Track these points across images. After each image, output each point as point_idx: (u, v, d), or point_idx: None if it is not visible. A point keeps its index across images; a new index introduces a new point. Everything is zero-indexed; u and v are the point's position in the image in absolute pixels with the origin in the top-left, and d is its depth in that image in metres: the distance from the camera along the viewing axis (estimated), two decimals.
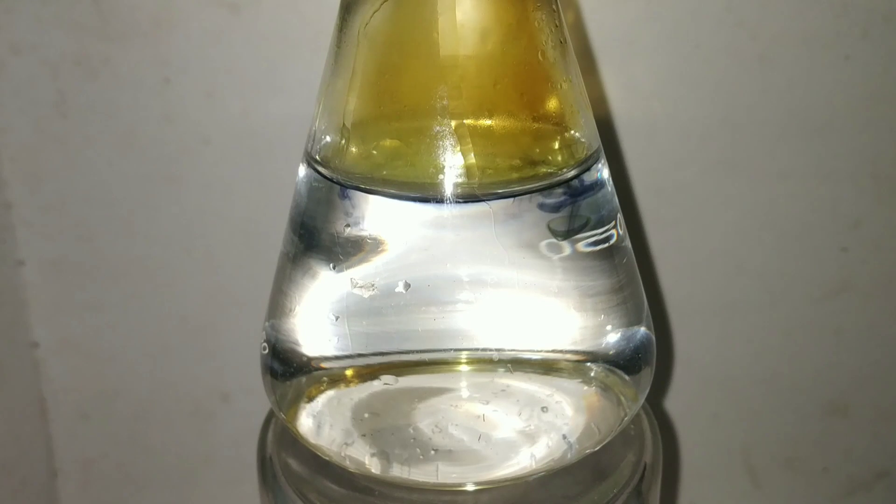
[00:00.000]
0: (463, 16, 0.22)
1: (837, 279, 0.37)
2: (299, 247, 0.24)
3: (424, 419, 0.23)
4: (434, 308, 0.23)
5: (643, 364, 0.25)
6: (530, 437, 0.23)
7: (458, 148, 0.22)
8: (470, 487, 0.24)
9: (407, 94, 0.23)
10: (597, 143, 0.25)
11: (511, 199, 0.22)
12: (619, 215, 0.25)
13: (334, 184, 0.23)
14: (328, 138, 0.24)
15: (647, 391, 0.26)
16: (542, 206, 0.23)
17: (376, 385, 0.23)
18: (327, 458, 0.24)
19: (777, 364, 0.38)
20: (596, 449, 0.24)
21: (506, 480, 0.23)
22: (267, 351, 0.25)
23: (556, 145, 0.24)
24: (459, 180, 0.22)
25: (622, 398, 0.25)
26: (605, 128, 0.33)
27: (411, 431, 0.23)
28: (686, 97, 0.33)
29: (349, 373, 0.24)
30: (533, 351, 0.23)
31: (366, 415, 0.24)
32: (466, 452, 0.23)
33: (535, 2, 0.23)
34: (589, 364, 0.24)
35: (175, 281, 0.36)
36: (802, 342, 0.38)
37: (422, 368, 0.23)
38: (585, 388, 0.24)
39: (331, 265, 0.23)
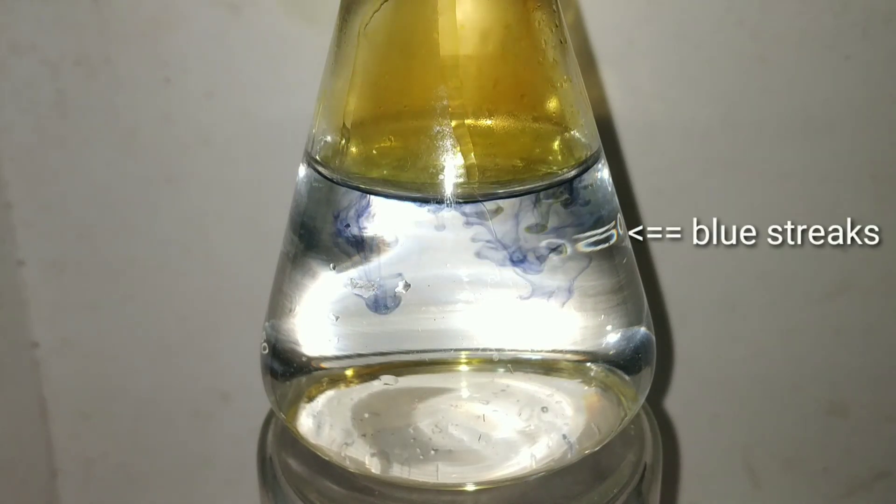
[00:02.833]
0: (463, 16, 0.22)
1: (837, 279, 0.37)
2: (299, 247, 0.24)
3: (424, 419, 0.23)
4: (434, 308, 0.23)
5: (643, 364, 0.25)
6: (530, 437, 0.23)
7: (458, 148, 0.22)
8: (470, 487, 0.24)
9: (407, 94, 0.23)
10: (597, 143, 0.25)
11: (511, 200, 0.22)
12: (619, 215, 0.25)
13: (334, 184, 0.23)
14: (328, 138, 0.24)
15: (647, 391, 0.26)
16: (542, 207, 0.23)
17: (376, 385, 0.23)
18: (327, 458, 0.24)
19: (777, 364, 0.38)
20: (596, 449, 0.24)
21: (506, 480, 0.23)
22: (267, 351, 0.25)
23: (556, 145, 0.24)
24: (459, 181, 0.22)
25: (622, 398, 0.25)
26: (605, 128, 0.33)
27: (411, 431, 0.23)
28: (686, 97, 0.33)
29: (349, 373, 0.24)
30: (533, 351, 0.23)
31: (366, 415, 0.24)
32: (466, 452, 0.23)
33: (535, 2, 0.23)
34: (589, 364, 0.24)
35: (175, 281, 0.36)
36: (802, 342, 0.38)
37: (422, 368, 0.23)
38: (585, 388, 0.24)
39: (331, 265, 0.23)
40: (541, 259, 0.23)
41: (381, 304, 0.23)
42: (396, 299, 0.22)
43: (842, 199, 0.35)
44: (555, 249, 0.23)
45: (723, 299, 0.37)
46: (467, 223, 0.22)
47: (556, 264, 0.23)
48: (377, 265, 0.23)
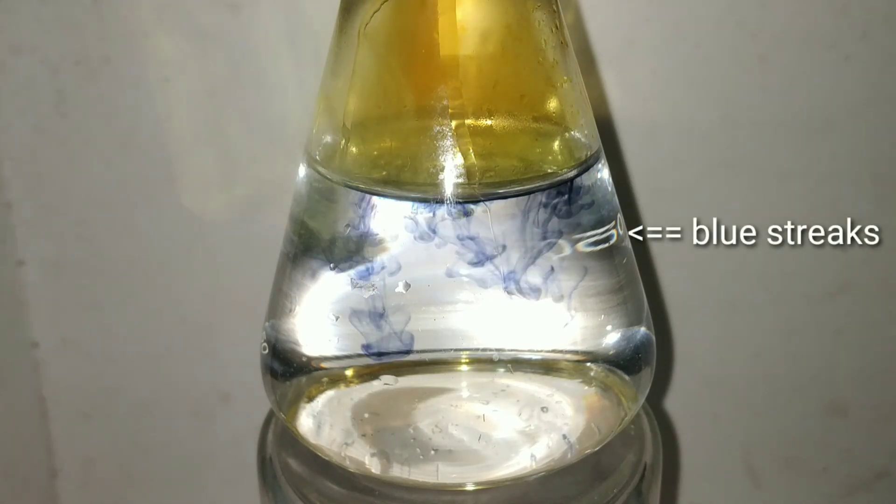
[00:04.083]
0: (463, 16, 0.22)
1: (837, 279, 0.37)
2: (299, 247, 0.24)
3: (424, 419, 0.23)
4: (434, 308, 0.23)
5: (643, 364, 0.25)
6: (530, 437, 0.23)
7: (458, 148, 0.22)
8: (470, 487, 0.24)
9: (407, 94, 0.23)
10: (597, 143, 0.25)
11: (511, 200, 0.22)
12: (619, 215, 0.25)
13: (334, 184, 0.23)
14: (328, 138, 0.24)
15: (647, 391, 0.26)
16: (542, 207, 0.23)
17: (376, 385, 0.23)
18: (327, 458, 0.24)
19: (777, 364, 0.38)
20: (596, 449, 0.24)
21: (506, 480, 0.23)
22: (267, 351, 0.25)
23: (557, 146, 0.24)
24: (459, 181, 0.22)
25: (622, 398, 0.25)
26: (605, 128, 0.33)
27: (411, 431, 0.23)
28: (686, 97, 0.33)
29: (349, 373, 0.24)
30: (533, 351, 0.23)
31: (366, 415, 0.24)
32: (466, 452, 0.23)
33: (535, 2, 0.23)
34: (589, 364, 0.24)
35: (175, 281, 0.36)
36: (802, 342, 0.38)
37: (422, 368, 0.23)
38: (585, 388, 0.24)
39: (331, 265, 0.23)
40: (541, 258, 0.23)
41: (377, 311, 0.23)
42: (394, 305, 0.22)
43: (842, 199, 0.35)
44: (555, 249, 0.23)
45: (723, 299, 0.37)
46: (467, 223, 0.22)
47: (556, 264, 0.23)
48: (377, 265, 0.23)
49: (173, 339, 0.37)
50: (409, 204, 0.23)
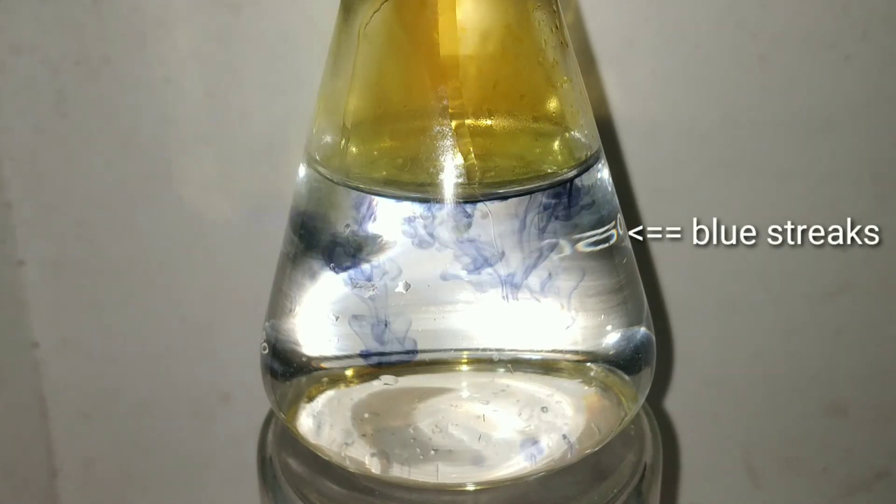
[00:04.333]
0: (463, 16, 0.22)
1: (837, 279, 0.37)
2: (299, 247, 0.24)
3: (424, 419, 0.23)
4: (434, 308, 0.23)
5: (643, 364, 0.25)
6: (530, 437, 0.23)
7: (458, 148, 0.22)
8: (470, 487, 0.24)
9: (407, 94, 0.23)
10: (597, 143, 0.25)
11: (511, 200, 0.22)
12: (619, 215, 0.25)
13: (334, 184, 0.23)
14: (328, 138, 0.24)
15: (647, 391, 0.26)
16: (542, 207, 0.23)
17: (376, 385, 0.23)
18: (327, 458, 0.24)
19: (777, 364, 0.38)
20: (596, 449, 0.24)
21: (506, 480, 0.23)
22: (267, 351, 0.25)
23: (556, 146, 0.24)
24: (459, 181, 0.22)
25: (622, 398, 0.25)
26: (605, 128, 0.33)
27: (411, 431, 0.23)
28: (686, 97, 0.33)
29: (349, 373, 0.24)
30: (533, 351, 0.23)
31: (366, 415, 0.24)
32: (466, 452, 0.23)
33: (535, 2, 0.23)
34: (589, 364, 0.24)
35: (175, 281, 0.36)
36: (802, 342, 0.38)
37: (422, 368, 0.23)
38: (585, 388, 0.24)
39: (331, 265, 0.23)
40: (541, 259, 0.23)
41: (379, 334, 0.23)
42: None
43: (842, 199, 0.35)
44: (555, 249, 0.23)
45: (723, 299, 0.37)
46: (467, 223, 0.22)
47: (556, 264, 0.23)
48: (377, 265, 0.23)
49: (173, 339, 0.37)
50: (409, 204, 0.23)
